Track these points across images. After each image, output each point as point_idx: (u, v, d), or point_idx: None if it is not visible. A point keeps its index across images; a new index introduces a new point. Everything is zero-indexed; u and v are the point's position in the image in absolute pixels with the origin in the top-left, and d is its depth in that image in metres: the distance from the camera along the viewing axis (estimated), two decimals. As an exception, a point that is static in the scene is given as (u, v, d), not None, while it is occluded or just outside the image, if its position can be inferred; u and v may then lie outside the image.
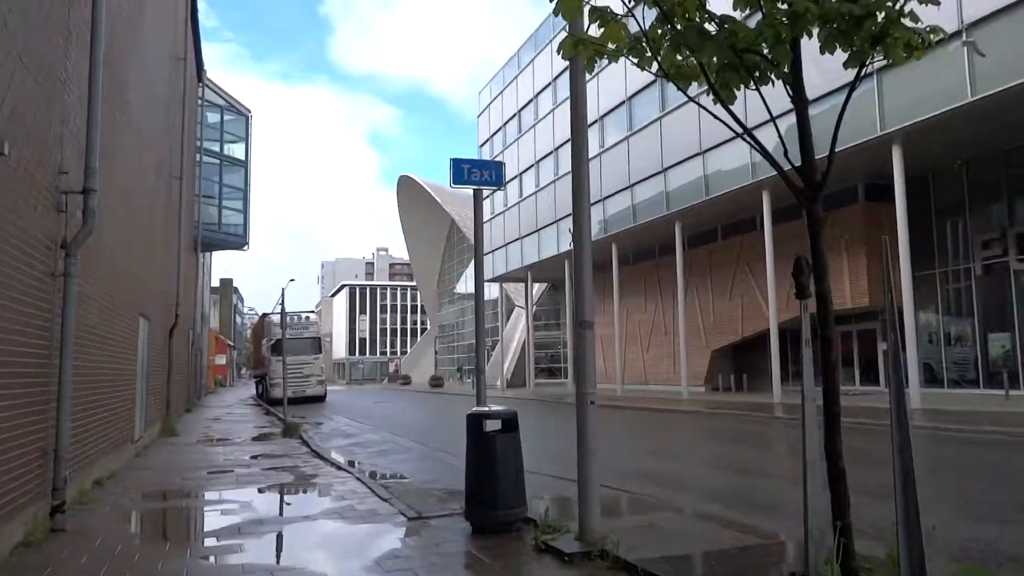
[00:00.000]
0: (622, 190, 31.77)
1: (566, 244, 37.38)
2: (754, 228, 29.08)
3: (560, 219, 37.89)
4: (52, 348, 6.89)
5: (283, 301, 19.50)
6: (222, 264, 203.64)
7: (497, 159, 46.78)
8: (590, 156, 31.01)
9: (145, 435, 14.76)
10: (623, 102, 32.10)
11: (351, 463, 12.06)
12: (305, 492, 9.37)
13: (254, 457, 13.16)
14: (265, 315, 37.17)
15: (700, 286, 31.21)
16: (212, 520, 7.42)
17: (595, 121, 34.31)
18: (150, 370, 15.23)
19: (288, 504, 8.53)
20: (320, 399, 34.56)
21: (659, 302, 35.44)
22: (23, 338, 6.04)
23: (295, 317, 34.64)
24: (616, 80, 32.40)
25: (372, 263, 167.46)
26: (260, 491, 9.30)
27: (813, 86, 18.77)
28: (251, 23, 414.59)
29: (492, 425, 6.63)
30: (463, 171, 7.24)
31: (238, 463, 12.18)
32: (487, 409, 6.74)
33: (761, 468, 11.35)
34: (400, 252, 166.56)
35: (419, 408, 30.94)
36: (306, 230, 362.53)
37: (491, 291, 68.02)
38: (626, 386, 33.53)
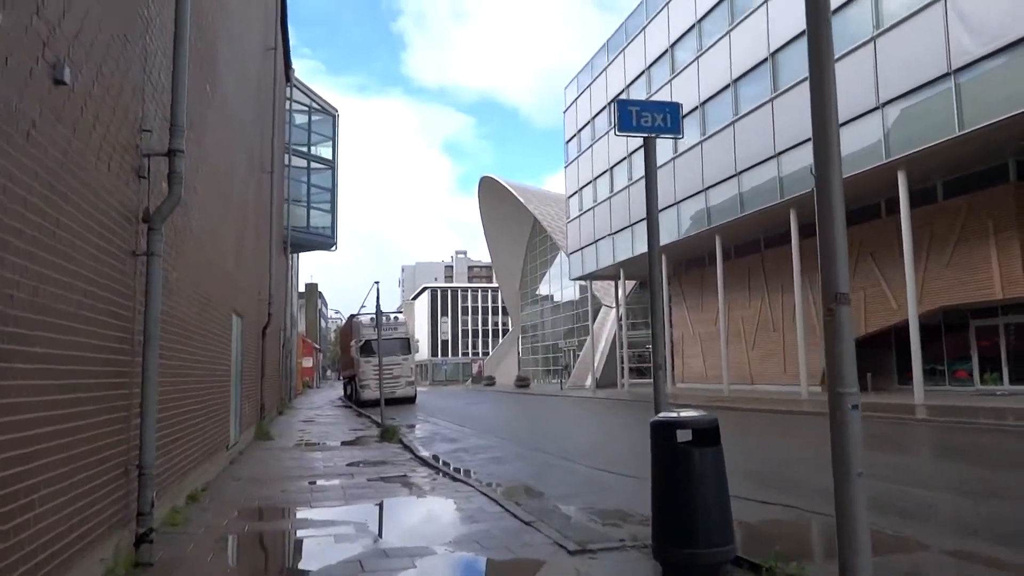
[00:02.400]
0: (727, 179, 29.56)
1: (662, 239, 35.35)
2: (878, 215, 26.47)
3: (655, 211, 35.89)
4: (133, 343, 5.70)
5: (378, 300, 18.43)
6: (305, 269, 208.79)
7: (584, 155, 45.15)
8: (688, 146, 29.03)
9: (240, 440, 13.81)
10: (727, 85, 29.91)
11: (466, 472, 10.67)
12: (424, 511, 7.99)
13: (355, 464, 11.97)
14: (353, 316, 36.58)
15: (814, 279, 28.63)
16: (326, 549, 6.09)
17: (695, 108, 32.24)
18: (243, 370, 14.29)
19: (410, 527, 7.15)
20: (410, 400, 33.67)
21: (765, 297, 32.99)
22: (96, 329, 4.83)
23: (384, 318, 33.85)
24: (720, 60, 30.30)
25: (451, 266, 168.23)
26: (372, 508, 7.98)
27: (964, 52, 16.34)
28: (327, 40, 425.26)
29: (685, 435, 5.05)
30: (630, 115, 5.70)
31: (339, 471, 10.99)
32: (678, 415, 5.15)
33: (986, 485, 9.32)
34: (478, 255, 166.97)
35: (515, 409, 29.57)
36: (383, 235, 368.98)
37: (575, 290, 66.35)
38: (732, 386, 31.26)
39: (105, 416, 5.04)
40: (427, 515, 7.79)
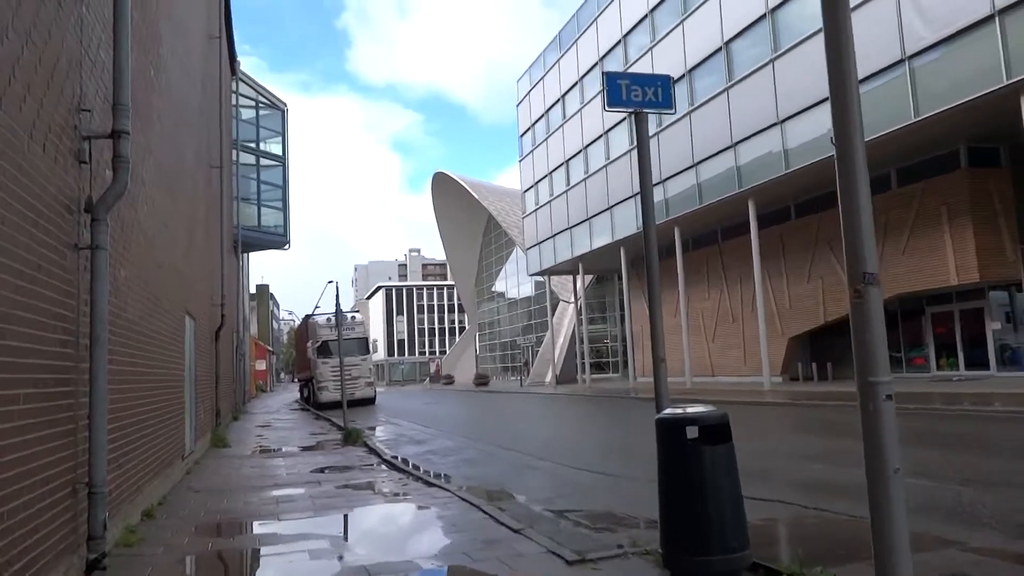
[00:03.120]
0: (685, 169, 29.54)
1: (620, 232, 35.29)
2: (834, 204, 26.66)
3: (613, 205, 35.78)
4: (79, 346, 5.09)
5: (337, 298, 17.75)
6: (255, 269, 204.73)
7: (539, 149, 44.85)
8: (649, 135, 29.01)
9: (196, 448, 13.08)
10: (683, 75, 29.87)
11: (438, 476, 10.18)
12: (402, 520, 7.50)
13: (319, 470, 11.38)
14: (309, 316, 35.63)
15: (772, 269, 28.87)
16: (299, 568, 5.56)
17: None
18: (198, 375, 13.55)
19: (389, 540, 6.65)
20: (370, 401, 32.92)
21: (724, 288, 33.14)
22: (33, 332, 4.23)
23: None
24: (674, 50, 30.25)
25: (405, 264, 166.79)
26: (344, 519, 7.45)
27: (919, 38, 16.33)
28: (268, 37, 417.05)
29: (693, 432, 4.67)
30: (619, 89, 5.31)
31: (304, 479, 10.40)
32: (684, 411, 4.77)
33: (976, 472, 9.20)
34: (432, 253, 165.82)
35: (478, 408, 29.09)
36: (334, 235, 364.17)
37: (531, 286, 66.07)
38: (694, 379, 31.31)
39: (47, 429, 4.44)
40: (406, 525, 7.29)
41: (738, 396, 23.53)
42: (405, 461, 12.19)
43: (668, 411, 4.89)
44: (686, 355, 30.98)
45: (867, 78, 20.36)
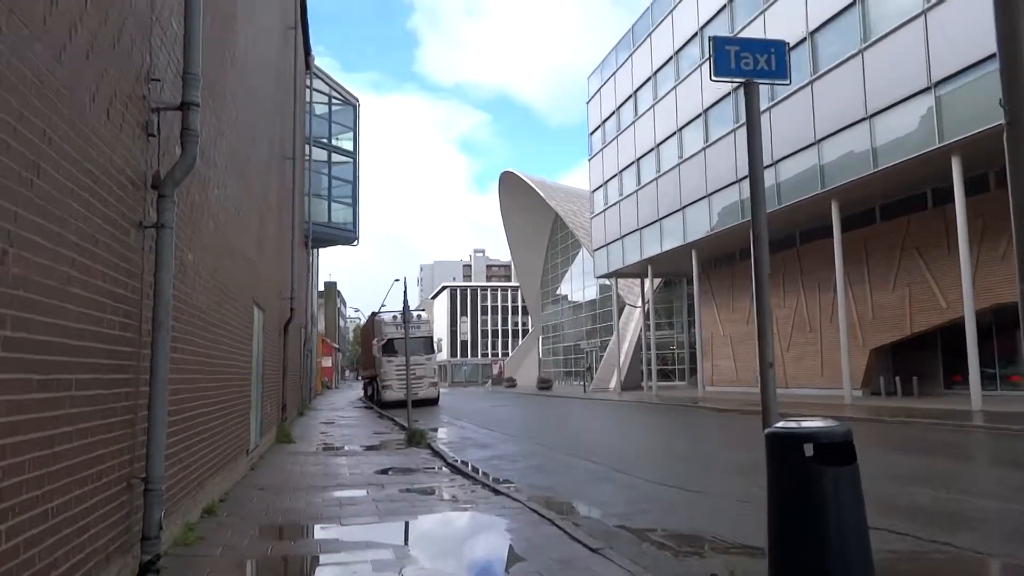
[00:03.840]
0: (764, 168, 28.31)
1: (692, 234, 34.23)
2: (923, 206, 25.19)
3: (686, 206, 34.73)
4: (141, 332, 4.76)
5: (405, 295, 17.46)
6: (323, 267, 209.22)
7: (609, 147, 44.02)
8: (721, 135, 27.65)
9: (261, 443, 12.92)
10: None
11: (506, 483, 9.66)
12: (469, 531, 7.01)
13: (383, 471, 11.02)
14: (375, 314, 35.70)
15: (854, 276, 27.42)
16: (363, 581, 5.12)
17: (728, 94, 31.07)
18: (265, 368, 13.40)
19: (455, 553, 6.16)
20: (433, 402, 32.71)
21: (801, 295, 31.73)
22: (91, 312, 3.88)
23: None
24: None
25: (469, 265, 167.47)
26: (410, 526, 7.00)
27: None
28: (340, 38, 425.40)
29: (810, 449, 4.02)
30: (727, 56, 4.70)
31: (367, 480, 10.04)
32: (800, 425, 4.11)
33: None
34: (497, 254, 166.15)
35: (542, 412, 28.55)
36: (400, 233, 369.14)
37: (596, 289, 65.13)
38: (767, 389, 29.98)
39: (102, 420, 4.10)
40: (475, 536, 6.80)
41: (817, 409, 22.30)
42: (471, 466, 11.75)
43: (781, 424, 4.24)
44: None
45: (972, 66, 19.02)
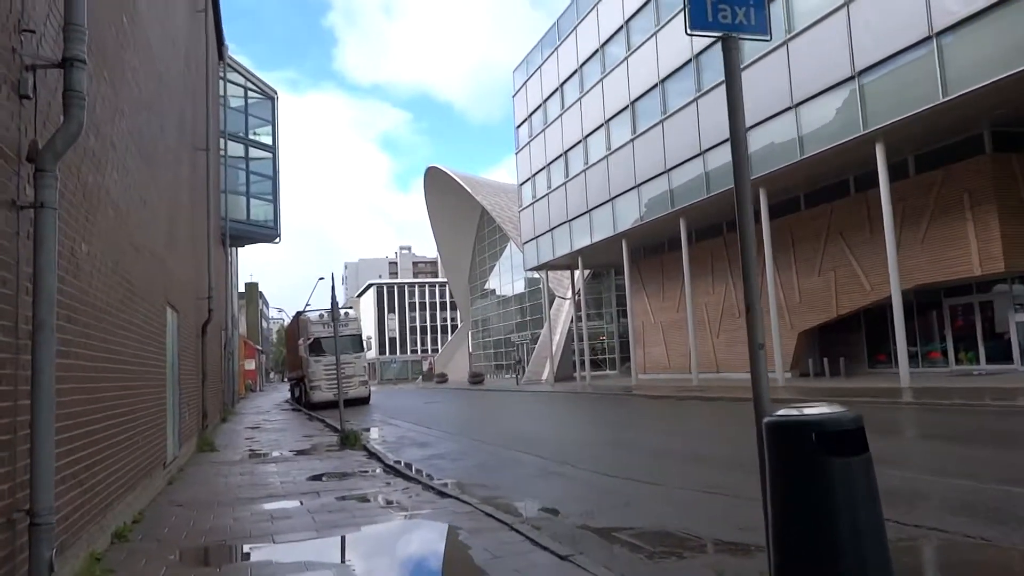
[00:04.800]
0: (692, 158, 28.45)
1: (622, 224, 34.24)
2: (846, 192, 25.74)
3: (615, 196, 34.71)
4: (18, 334, 3.95)
5: (333, 291, 16.55)
6: (243, 267, 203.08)
7: (536, 140, 43.74)
8: (650, 125, 27.60)
9: (180, 453, 11.91)
10: (689, 60, 28.79)
11: (454, 485, 9.05)
12: (420, 542, 6.38)
13: (317, 477, 10.27)
14: (300, 313, 34.39)
15: (781, 262, 27.85)
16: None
17: (655, 86, 31.12)
18: (181, 374, 12.37)
19: (408, 570, 5.53)
20: (364, 401, 31.71)
21: (729, 282, 32.12)
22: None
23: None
24: (681, 33, 29.18)
25: (395, 262, 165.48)
26: (353, 540, 6.33)
27: (948, 13, 15.08)
28: (255, 35, 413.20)
29: (816, 439, 3.58)
30: (703, 9, 4.22)
31: (300, 489, 9.27)
32: (802, 412, 3.66)
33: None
34: (423, 251, 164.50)
35: (477, 407, 27.96)
36: (322, 232, 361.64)
37: (525, 282, 64.96)
38: (700, 375, 30.28)
39: (-32, 444, 3.31)
40: (426, 548, 6.18)
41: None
42: (411, 467, 11.09)
43: (782, 412, 3.79)
44: (692, 351, 29.93)
45: (894, 55, 19.42)
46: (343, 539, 6.37)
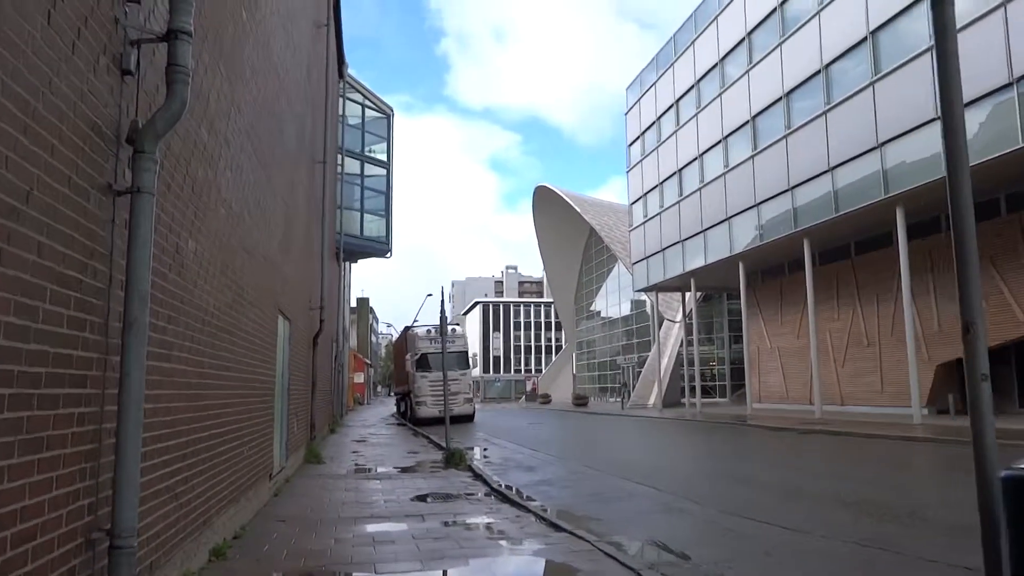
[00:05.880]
0: (819, 175, 26.69)
1: (739, 244, 32.65)
2: (997, 212, 23.38)
3: (732, 216, 33.17)
4: (108, 332, 3.57)
5: (442, 306, 16.26)
6: (354, 283, 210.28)
7: (648, 158, 42.69)
8: (773, 140, 25.91)
9: (287, 464, 11.75)
10: (818, 71, 27.16)
11: (566, 517, 8.30)
12: (533, 583, 5.70)
13: (421, 498, 9.78)
14: (408, 328, 34.61)
15: (918, 287, 25.59)
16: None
17: (779, 99, 29.57)
18: (291, 383, 12.25)
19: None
20: (468, 418, 31.39)
21: (857, 308, 29.90)
22: (33, 303, 2.69)
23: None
24: (808, 43, 27.61)
25: (501, 281, 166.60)
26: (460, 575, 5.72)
27: None
28: (371, 62, 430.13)
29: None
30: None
31: (404, 510, 8.78)
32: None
33: None
34: (529, 270, 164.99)
35: (583, 430, 27.08)
36: (430, 251, 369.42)
37: (631, 304, 63.47)
38: (823, 407, 28.20)
39: (45, 451, 2.90)
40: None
41: (885, 429, 20.56)
42: (518, 492, 10.44)
43: (1026, 466, 2.89)
44: (815, 381, 27.94)
45: None
46: (448, 574, 5.77)
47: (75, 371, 3.18)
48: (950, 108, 3.35)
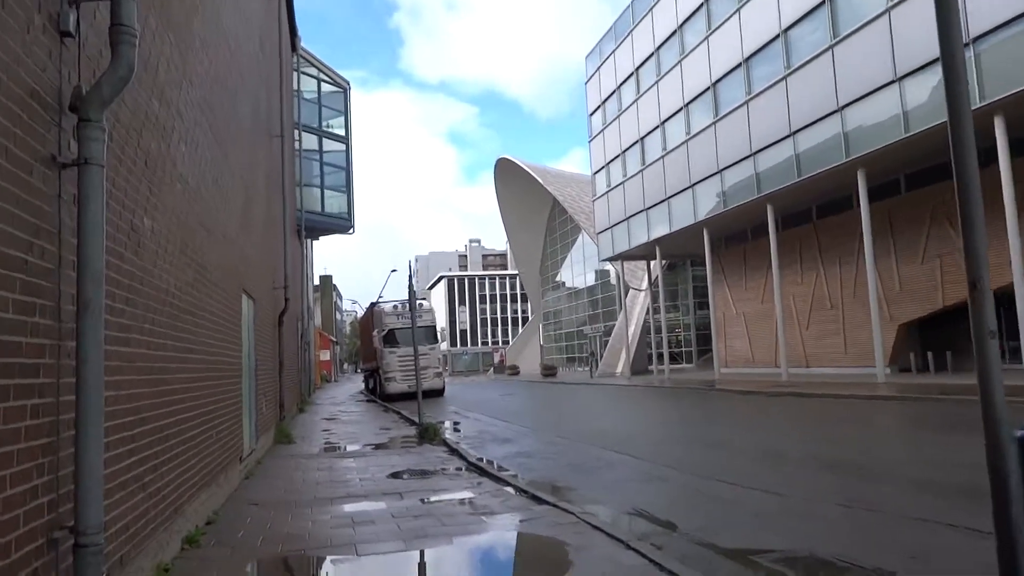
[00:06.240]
0: (781, 140, 26.78)
1: (703, 211, 32.78)
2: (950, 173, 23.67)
3: (696, 183, 33.25)
4: (61, 317, 3.30)
5: (411, 280, 15.99)
6: (316, 261, 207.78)
7: (610, 128, 42.53)
8: (734, 107, 25.81)
9: (257, 446, 11.49)
10: (776, 36, 27.13)
11: (549, 489, 8.22)
12: (526, 563, 5.59)
13: (397, 475, 9.64)
14: (374, 304, 34.24)
15: (879, 249, 25.95)
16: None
17: (739, 65, 29.54)
18: (258, 363, 11.94)
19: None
20: (439, 393, 31.28)
21: (820, 271, 30.32)
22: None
23: (407, 305, 31.49)
24: (768, 10, 27.53)
25: (465, 255, 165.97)
26: (447, 555, 5.58)
27: None
28: (322, 36, 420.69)
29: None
30: None
31: (381, 488, 8.63)
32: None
33: None
34: (492, 243, 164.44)
35: (555, 400, 27.14)
36: (391, 226, 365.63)
37: (596, 274, 63.68)
38: (790, 370, 28.64)
39: (10, 445, 2.66)
40: (535, 571, 5.37)
41: (851, 389, 20.94)
42: (497, 467, 10.34)
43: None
44: (781, 344, 28.32)
45: (1012, 20, 17.55)
46: (433, 553, 5.63)
47: (25, 359, 2.92)
48: (951, 54, 3.21)
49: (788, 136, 26.37)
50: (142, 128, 4.82)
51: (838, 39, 23.82)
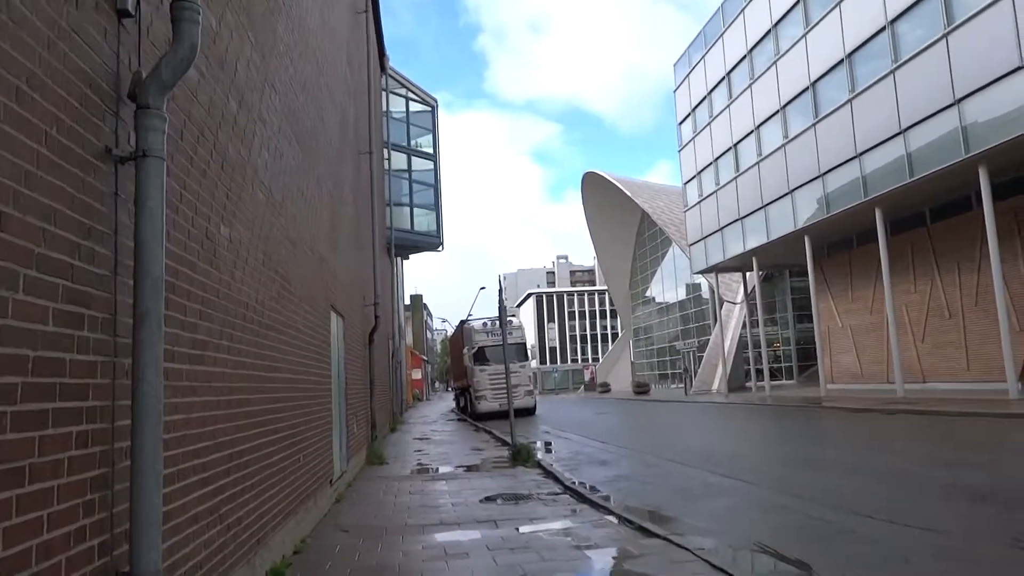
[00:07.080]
0: (890, 139, 25.06)
1: (803, 218, 31.12)
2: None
3: (794, 189, 31.64)
4: (116, 330, 2.91)
5: (500, 296, 15.55)
6: (406, 281, 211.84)
7: (701, 135, 41.26)
8: (837, 105, 24.30)
9: (348, 468, 11.20)
10: (882, 28, 25.49)
11: (656, 519, 7.48)
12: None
13: (491, 500, 9.11)
14: (464, 322, 34.09)
15: (1005, 252, 23.79)
16: None
17: (841, 61, 27.97)
18: (348, 383, 11.69)
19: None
20: (530, 411, 30.68)
21: (936, 278, 28.13)
22: (22, 297, 2.04)
23: (497, 322, 31.14)
24: (872, 2, 25.95)
25: (552, 272, 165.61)
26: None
27: None
28: (409, 62, 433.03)
29: None
30: None
31: (474, 515, 8.10)
32: None
33: None
34: (580, 260, 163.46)
35: (651, 419, 26.11)
36: (478, 245, 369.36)
37: (688, 288, 61.82)
38: (906, 386, 26.60)
39: (25, 487, 2.25)
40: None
41: (982, 407, 19.05)
42: (597, 492, 9.65)
43: None
44: (895, 357, 26.37)
45: None
46: (535, 594, 5.03)
47: (69, 379, 2.52)
48: None
49: (898, 134, 24.63)
50: (217, 129, 4.48)
51: (954, 25, 22.08)
